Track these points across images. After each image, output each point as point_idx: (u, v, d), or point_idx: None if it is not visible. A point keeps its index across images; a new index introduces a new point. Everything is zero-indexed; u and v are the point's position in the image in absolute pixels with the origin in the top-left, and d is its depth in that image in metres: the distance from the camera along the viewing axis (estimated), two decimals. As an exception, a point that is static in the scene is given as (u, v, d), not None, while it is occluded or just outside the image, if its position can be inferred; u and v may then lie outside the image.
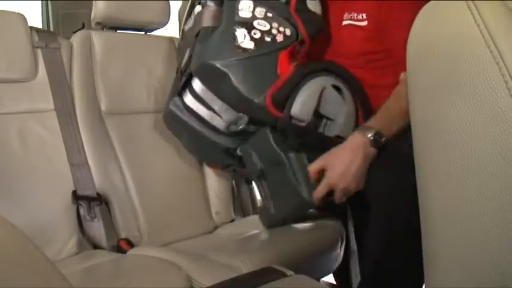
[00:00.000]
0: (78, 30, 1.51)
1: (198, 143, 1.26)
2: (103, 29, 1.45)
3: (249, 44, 1.11)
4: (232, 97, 1.12)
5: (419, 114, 0.48)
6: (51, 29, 2.30)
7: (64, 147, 1.29)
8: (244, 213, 1.62)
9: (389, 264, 1.18)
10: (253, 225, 1.40)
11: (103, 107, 1.38)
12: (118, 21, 1.39)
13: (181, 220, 1.41)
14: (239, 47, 1.11)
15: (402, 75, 1.08)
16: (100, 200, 1.27)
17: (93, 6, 1.39)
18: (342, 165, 1.03)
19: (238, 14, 1.13)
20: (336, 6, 1.20)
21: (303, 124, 1.10)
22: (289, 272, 0.65)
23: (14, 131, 1.24)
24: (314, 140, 1.13)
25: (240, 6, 1.14)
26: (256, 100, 1.09)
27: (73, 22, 2.09)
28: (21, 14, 1.33)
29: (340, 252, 1.35)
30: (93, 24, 1.43)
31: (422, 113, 0.47)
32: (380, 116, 1.08)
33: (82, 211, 1.25)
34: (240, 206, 1.61)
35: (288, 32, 1.13)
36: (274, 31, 1.13)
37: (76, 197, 1.25)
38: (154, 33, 1.54)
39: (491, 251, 0.41)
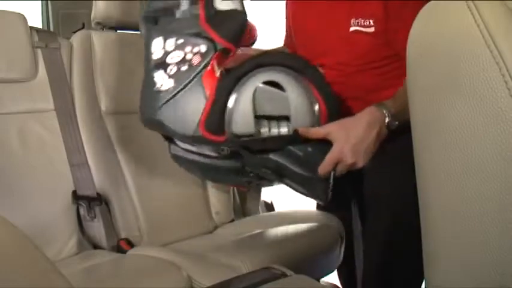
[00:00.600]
0: (78, 30, 1.51)
1: (209, 172, 1.20)
2: (103, 29, 1.45)
3: (168, 84, 1.05)
4: (179, 138, 1.09)
5: (419, 114, 0.48)
6: (51, 29, 2.30)
7: (64, 147, 1.29)
8: (244, 214, 1.62)
9: (391, 264, 1.17)
10: (253, 225, 1.41)
11: (103, 107, 1.38)
12: (118, 21, 1.39)
13: (181, 220, 1.41)
14: (160, 91, 1.05)
15: None
16: (100, 200, 1.27)
17: (93, 6, 1.39)
18: (355, 139, 0.94)
19: (152, 58, 1.08)
20: (342, 9, 1.12)
21: (252, 137, 1.01)
22: (289, 272, 0.65)
23: (14, 131, 1.24)
24: (275, 144, 1.03)
25: (152, 48, 1.09)
26: (192, 134, 1.03)
27: (73, 22, 2.09)
28: (21, 14, 1.33)
29: (340, 252, 1.36)
30: (93, 24, 1.43)
31: (422, 113, 0.47)
32: (395, 101, 0.99)
33: (82, 211, 1.25)
34: (240, 206, 1.61)
35: (203, 48, 1.04)
36: (188, 56, 1.05)
37: (76, 197, 1.26)
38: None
39: (491, 251, 0.41)
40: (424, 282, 0.52)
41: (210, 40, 1.04)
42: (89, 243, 1.26)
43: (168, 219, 1.38)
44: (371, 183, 1.18)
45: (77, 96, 1.35)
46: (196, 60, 1.04)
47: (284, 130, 1.01)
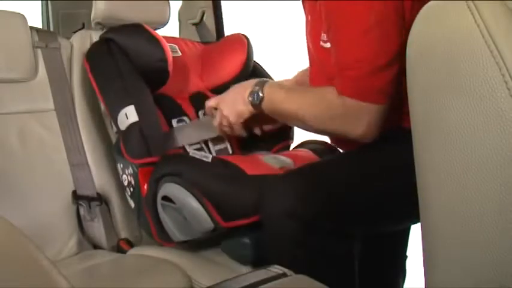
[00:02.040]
0: (78, 30, 1.51)
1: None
2: (103, 29, 1.45)
3: (132, 203, 1.21)
4: None
5: (419, 114, 0.48)
6: (51, 29, 2.30)
7: (64, 147, 1.29)
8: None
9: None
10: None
11: (103, 107, 1.38)
12: (118, 21, 1.39)
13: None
14: (133, 210, 1.21)
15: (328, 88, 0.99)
16: (100, 200, 1.27)
17: (93, 6, 1.39)
18: (227, 94, 1.14)
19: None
20: (315, 25, 1.07)
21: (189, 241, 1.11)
22: (289, 272, 0.65)
23: (14, 131, 1.24)
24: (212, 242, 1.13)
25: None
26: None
27: (73, 22, 2.09)
28: (21, 14, 1.33)
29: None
30: (93, 24, 1.43)
31: (422, 112, 0.47)
32: (276, 90, 1.06)
33: (82, 211, 1.25)
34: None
35: (130, 170, 1.18)
36: (129, 178, 1.18)
37: (76, 197, 1.26)
38: (154, 33, 1.54)
39: (491, 251, 0.41)
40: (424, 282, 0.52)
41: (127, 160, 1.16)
42: (89, 243, 1.26)
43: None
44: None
45: (77, 96, 1.35)
46: (132, 180, 1.16)
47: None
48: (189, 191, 1.02)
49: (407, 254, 1.27)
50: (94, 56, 1.30)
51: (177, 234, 1.09)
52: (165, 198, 1.06)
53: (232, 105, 1.10)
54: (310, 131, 1.09)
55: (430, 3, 0.46)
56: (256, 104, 1.06)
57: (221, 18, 1.85)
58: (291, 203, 0.89)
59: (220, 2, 1.83)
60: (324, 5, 0.96)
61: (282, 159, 1.15)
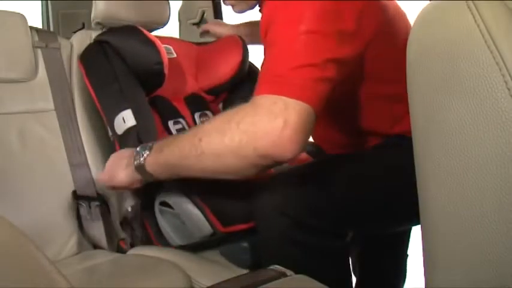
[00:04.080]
0: (78, 30, 1.51)
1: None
2: (103, 29, 1.45)
3: None
4: None
5: (419, 114, 0.48)
6: (51, 29, 2.30)
7: (64, 147, 1.29)
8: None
9: None
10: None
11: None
12: (118, 21, 1.39)
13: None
14: None
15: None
16: (100, 200, 1.27)
17: (93, 6, 1.39)
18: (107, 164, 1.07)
19: None
20: None
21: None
22: (289, 272, 0.65)
23: (14, 131, 1.24)
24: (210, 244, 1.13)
25: None
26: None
27: (73, 22, 2.09)
28: (21, 14, 1.33)
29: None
30: (93, 24, 1.43)
31: (422, 113, 0.47)
32: (161, 153, 0.91)
33: (82, 211, 1.25)
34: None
35: None
36: None
37: (76, 197, 1.26)
38: (154, 33, 1.54)
39: (491, 251, 0.41)
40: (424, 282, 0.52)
41: None
42: (89, 243, 1.26)
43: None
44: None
45: (76, 96, 1.35)
46: None
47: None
48: (187, 197, 1.02)
49: (408, 253, 1.27)
50: (89, 58, 1.30)
51: (175, 239, 1.09)
52: (163, 203, 1.06)
53: (112, 169, 1.03)
54: (201, 164, 0.85)
55: (430, 3, 0.47)
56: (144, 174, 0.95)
57: (221, 18, 1.85)
58: (282, 200, 0.88)
59: (220, 2, 1.83)
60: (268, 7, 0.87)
61: None
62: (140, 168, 0.93)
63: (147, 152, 0.92)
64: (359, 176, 0.94)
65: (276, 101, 0.75)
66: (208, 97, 1.44)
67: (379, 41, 0.91)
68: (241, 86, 1.43)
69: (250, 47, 1.45)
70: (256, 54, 1.49)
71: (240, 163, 0.79)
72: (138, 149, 0.95)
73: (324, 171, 0.96)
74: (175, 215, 1.05)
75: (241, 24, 1.53)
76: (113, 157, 1.07)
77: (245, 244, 1.05)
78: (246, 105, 0.80)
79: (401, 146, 0.74)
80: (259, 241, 0.95)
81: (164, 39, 1.41)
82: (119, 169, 1.00)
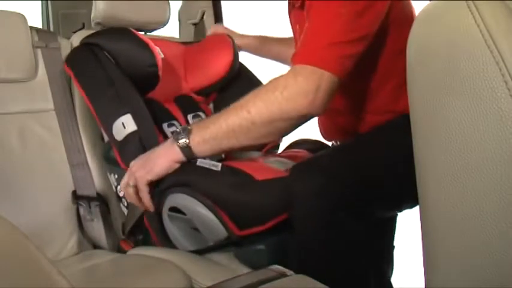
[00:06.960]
0: (78, 30, 1.51)
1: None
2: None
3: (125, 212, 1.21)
4: None
5: (419, 115, 0.48)
6: (51, 29, 2.30)
7: (64, 147, 1.29)
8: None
9: None
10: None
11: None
12: (118, 21, 1.39)
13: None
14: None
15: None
16: (100, 200, 1.27)
17: (93, 6, 1.39)
18: (141, 158, 1.03)
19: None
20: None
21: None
22: (289, 272, 0.65)
23: (14, 131, 1.24)
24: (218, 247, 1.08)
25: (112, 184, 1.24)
26: None
27: (73, 22, 2.09)
28: (21, 14, 1.33)
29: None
30: (93, 24, 1.43)
31: (422, 112, 0.47)
32: (203, 127, 0.97)
33: (82, 211, 1.25)
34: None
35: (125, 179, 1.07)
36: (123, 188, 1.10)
37: (76, 197, 1.26)
38: (154, 33, 1.54)
39: (491, 251, 0.41)
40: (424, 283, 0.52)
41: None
42: (89, 243, 1.26)
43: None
44: None
45: (76, 96, 1.35)
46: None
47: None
48: (200, 201, 0.98)
49: (395, 244, 1.28)
50: (78, 62, 1.26)
51: (185, 244, 1.06)
52: (173, 209, 1.03)
53: (146, 162, 1.01)
54: (253, 132, 0.95)
55: (430, 3, 0.47)
56: (192, 156, 0.98)
57: (221, 18, 1.85)
58: (320, 182, 0.91)
59: (220, 2, 1.83)
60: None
61: (284, 162, 1.13)
62: (185, 148, 0.97)
63: (188, 132, 0.98)
64: (391, 156, 0.97)
65: (314, 71, 0.90)
66: (198, 98, 1.42)
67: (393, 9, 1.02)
68: (231, 85, 1.42)
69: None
70: (246, 57, 1.49)
71: (286, 125, 0.94)
72: (177, 131, 1.00)
73: (358, 153, 1.00)
74: (187, 220, 1.01)
75: (249, 35, 1.49)
76: (140, 157, 1.03)
77: (261, 246, 1.03)
78: (286, 75, 0.93)
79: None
80: (296, 225, 0.94)
81: (151, 40, 1.39)
82: (156, 158, 1.00)
